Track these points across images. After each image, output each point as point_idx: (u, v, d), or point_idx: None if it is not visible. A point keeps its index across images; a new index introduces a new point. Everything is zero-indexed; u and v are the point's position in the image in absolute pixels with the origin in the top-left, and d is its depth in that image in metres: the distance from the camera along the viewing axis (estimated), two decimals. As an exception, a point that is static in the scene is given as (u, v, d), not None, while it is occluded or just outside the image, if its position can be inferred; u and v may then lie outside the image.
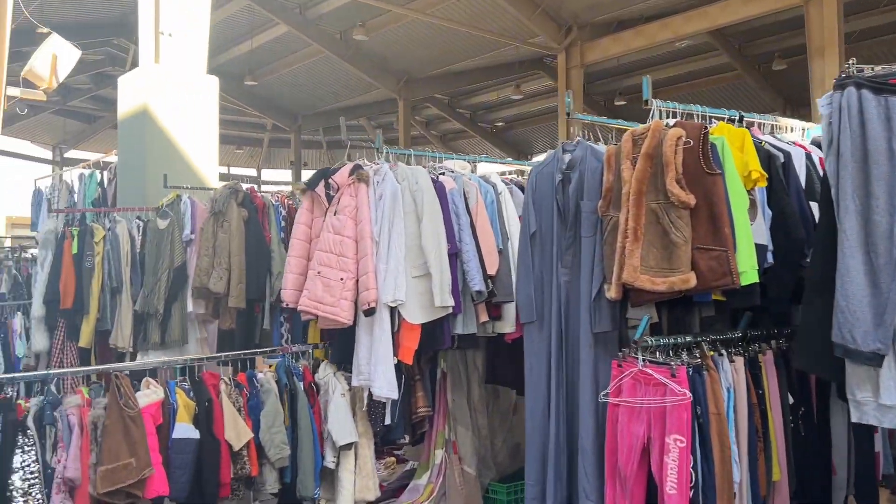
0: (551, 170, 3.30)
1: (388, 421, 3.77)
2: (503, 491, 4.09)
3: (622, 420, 2.87)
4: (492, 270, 3.78)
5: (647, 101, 3.02)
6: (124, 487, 3.12)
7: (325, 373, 3.85)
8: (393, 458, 5.01)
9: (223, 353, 3.85)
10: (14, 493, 2.94)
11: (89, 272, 5.21)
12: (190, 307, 4.79)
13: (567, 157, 3.24)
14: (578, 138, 3.26)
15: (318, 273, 3.65)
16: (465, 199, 3.84)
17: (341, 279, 3.60)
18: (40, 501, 2.99)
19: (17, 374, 3.26)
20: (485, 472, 4.21)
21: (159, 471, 3.23)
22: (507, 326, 3.90)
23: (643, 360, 2.82)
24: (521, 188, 4.16)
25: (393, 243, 3.63)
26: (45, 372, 3.28)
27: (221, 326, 4.73)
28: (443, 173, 3.96)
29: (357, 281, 3.61)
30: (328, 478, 3.78)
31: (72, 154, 19.41)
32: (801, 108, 13.93)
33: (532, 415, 3.30)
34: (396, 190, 3.68)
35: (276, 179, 21.81)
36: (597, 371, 3.07)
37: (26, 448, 3.00)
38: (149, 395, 3.37)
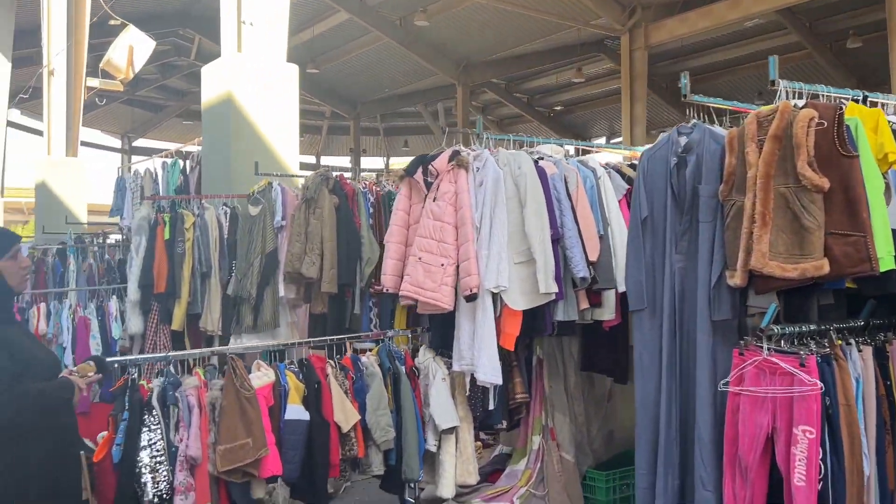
0: (665, 153, 3.22)
1: (491, 406, 3.78)
2: (602, 478, 4.07)
3: (744, 410, 2.80)
4: (593, 256, 3.73)
5: (773, 81, 2.91)
6: (241, 466, 3.22)
7: (425, 357, 3.88)
8: (479, 443, 5.03)
9: (327, 337, 3.91)
10: (143, 469, 3.05)
11: (180, 257, 5.35)
12: (281, 292, 4.88)
13: (683, 139, 3.16)
14: (694, 120, 3.18)
15: (420, 259, 3.66)
16: (566, 183, 3.80)
17: (442, 265, 3.61)
18: (166, 477, 3.09)
19: (139, 356, 3.37)
20: (582, 458, 4.20)
21: (273, 451, 3.31)
22: (607, 314, 3.86)
23: (768, 349, 2.75)
24: (620, 172, 4.10)
25: (495, 229, 3.61)
26: (165, 354, 3.39)
27: (314, 311, 4.80)
28: (541, 158, 3.92)
29: (457, 267, 3.62)
30: (429, 461, 3.82)
31: (139, 143, 19.99)
32: (875, 88, 13.32)
33: (643, 403, 3.25)
34: (499, 176, 3.66)
35: (335, 166, 22.03)
36: (715, 360, 3.00)
37: (152, 427, 3.11)
38: (260, 377, 3.45)
